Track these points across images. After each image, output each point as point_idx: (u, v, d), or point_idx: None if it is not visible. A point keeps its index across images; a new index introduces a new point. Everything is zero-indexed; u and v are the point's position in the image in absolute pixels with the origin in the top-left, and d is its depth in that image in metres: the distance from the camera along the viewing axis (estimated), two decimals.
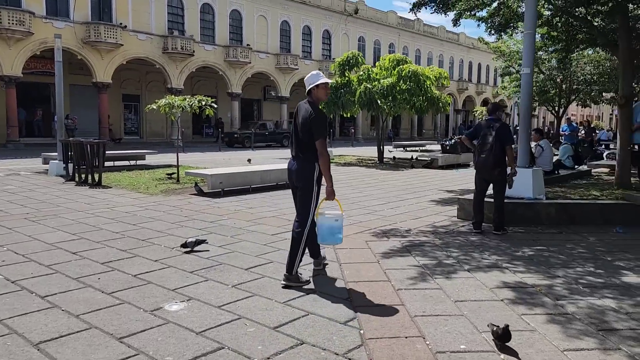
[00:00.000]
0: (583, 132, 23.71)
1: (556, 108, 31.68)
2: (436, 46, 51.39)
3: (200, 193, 9.62)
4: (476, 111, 28.58)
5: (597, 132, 31.97)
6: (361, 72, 17.22)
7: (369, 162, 18.61)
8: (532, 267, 4.96)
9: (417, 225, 6.99)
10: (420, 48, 49.27)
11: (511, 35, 11.14)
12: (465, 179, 13.12)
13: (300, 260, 4.35)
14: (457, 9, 9.42)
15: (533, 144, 9.71)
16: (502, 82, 37.93)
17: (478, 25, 12.84)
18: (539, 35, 13.43)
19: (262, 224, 6.94)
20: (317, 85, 4.25)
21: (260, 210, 8.07)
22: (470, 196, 7.46)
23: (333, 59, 37.79)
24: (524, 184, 7.04)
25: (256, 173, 10.43)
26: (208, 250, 5.46)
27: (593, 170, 12.05)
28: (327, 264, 4.90)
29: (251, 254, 5.35)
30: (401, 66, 16.82)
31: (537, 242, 6.06)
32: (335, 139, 43.04)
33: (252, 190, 10.19)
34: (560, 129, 17.77)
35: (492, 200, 6.55)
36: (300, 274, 4.42)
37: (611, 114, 66.90)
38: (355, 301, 4.00)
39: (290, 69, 36.49)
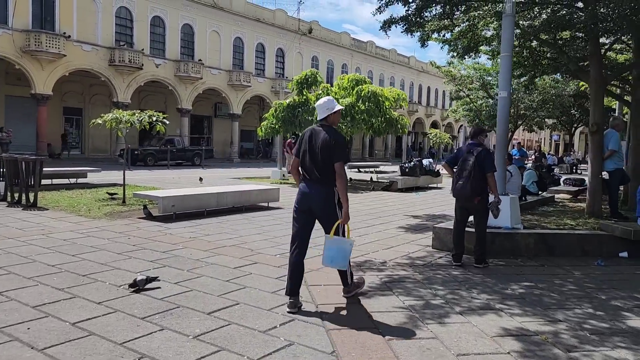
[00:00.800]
0: (533, 156, 24.27)
1: None
2: (388, 68, 52.15)
3: (150, 217, 8.76)
4: (430, 133, 28.77)
5: (546, 156, 33.09)
6: (319, 91, 16.81)
7: None
8: (528, 308, 4.52)
9: (391, 256, 6.47)
10: (372, 69, 49.80)
11: (471, 56, 10.95)
12: (427, 202, 12.85)
13: (352, 273, 4.65)
14: (427, 29, 9.14)
15: None
16: (452, 106, 38.79)
17: (441, 47, 12.69)
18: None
19: (222, 255, 6.23)
20: (334, 112, 4.40)
21: (218, 237, 7.33)
22: (447, 225, 7.04)
23: (286, 77, 37.48)
24: (502, 212, 6.67)
25: (212, 195, 9.67)
26: (160, 288, 4.72)
27: (556, 197, 12.02)
28: (301, 305, 4.34)
29: (213, 293, 4.65)
30: (360, 86, 16.55)
31: (522, 276, 5.68)
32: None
33: (207, 214, 9.41)
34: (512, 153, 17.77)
35: (472, 230, 6.14)
36: (356, 280, 4.72)
37: (551, 139, 69.90)
38: (343, 358, 3.39)
39: (242, 86, 35.80)
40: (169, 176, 18.88)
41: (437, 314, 4.27)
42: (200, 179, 15.49)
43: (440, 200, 13.54)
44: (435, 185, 17.37)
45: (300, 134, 5.26)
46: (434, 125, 57.37)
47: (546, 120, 35.04)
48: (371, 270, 5.71)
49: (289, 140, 18.94)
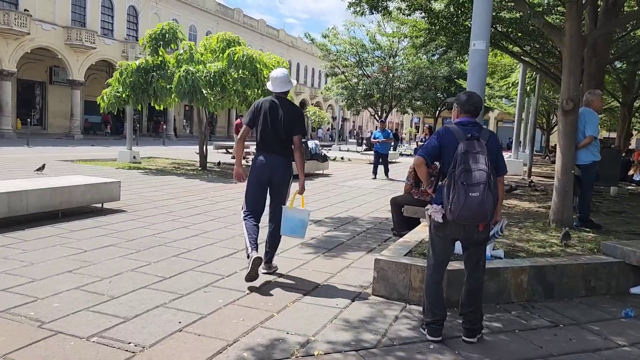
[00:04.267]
0: (422, 140, 22.62)
1: (379, 112, 31.34)
2: (256, 40, 48.70)
3: None
4: (309, 111, 26.31)
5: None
6: (180, 51, 13.14)
7: (189, 168, 14.62)
8: None
9: (308, 328, 3.60)
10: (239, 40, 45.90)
11: (380, 12, 8.51)
12: (319, 196, 10.14)
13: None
14: None
15: None
16: (327, 83, 36.84)
17: None
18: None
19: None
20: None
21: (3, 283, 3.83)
22: (393, 253, 4.34)
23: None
24: None
25: None
26: None
27: None
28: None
29: None
30: (233, 48, 13.25)
31: (539, 351, 3.20)
32: (142, 135, 37.42)
33: None
34: (372, 136, 15.81)
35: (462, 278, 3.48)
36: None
37: (411, 122, 72.18)
38: None
39: (85, 47, 29.96)
40: None
41: None
42: (41, 168, 10.95)
43: (334, 192, 10.96)
44: (321, 172, 14.83)
45: (254, 105, 4.51)
46: (303, 104, 55.38)
47: (415, 102, 34.68)
48: None
49: (238, 121, 15.47)
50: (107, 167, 13.32)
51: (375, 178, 14.12)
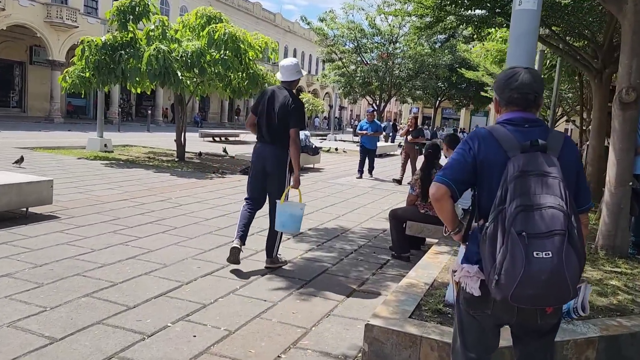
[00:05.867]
0: (429, 133, 20.62)
1: (377, 101, 29.82)
2: (251, 24, 46.75)
3: None
4: (302, 99, 24.84)
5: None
6: (152, 26, 11.54)
7: (165, 159, 13.12)
8: None
9: None
10: (233, 24, 44.10)
11: None
12: (306, 197, 8.62)
13: (280, 242, 4.55)
14: None
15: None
16: (324, 69, 35.19)
17: None
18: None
19: None
20: (299, 79, 4.52)
21: None
22: (388, 319, 2.87)
23: None
24: None
25: None
26: None
27: None
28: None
29: None
30: (214, 26, 11.69)
31: None
32: (127, 121, 35.86)
33: None
34: (358, 127, 13.48)
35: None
36: (280, 255, 4.62)
37: (410, 112, 70.32)
38: None
39: (66, 26, 28.16)
40: None
41: None
42: (18, 160, 9.48)
43: (323, 192, 9.48)
44: (312, 166, 13.33)
45: (261, 92, 4.60)
46: (297, 92, 53.70)
47: (416, 91, 33.13)
48: None
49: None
50: (68, 157, 11.80)
51: (360, 177, 12.04)
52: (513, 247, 1.64)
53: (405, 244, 5.17)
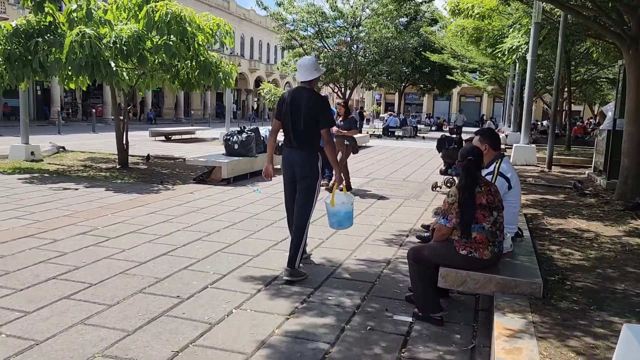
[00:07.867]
0: (398, 121, 19.24)
1: (342, 89, 28.13)
2: (203, 11, 44.26)
3: None
4: (263, 89, 22.73)
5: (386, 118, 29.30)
6: (73, 7, 9.35)
7: (104, 166, 11.05)
8: None
9: None
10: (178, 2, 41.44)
11: None
12: (279, 211, 6.75)
13: (304, 252, 4.37)
14: None
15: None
16: (284, 57, 33.15)
17: None
18: None
19: None
20: (319, 76, 4.35)
21: None
22: None
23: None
24: None
25: None
26: None
27: None
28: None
29: None
30: (153, 4, 9.64)
31: None
32: (73, 121, 33.07)
33: None
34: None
35: None
36: (301, 266, 4.35)
37: (372, 99, 69.07)
38: None
39: None
40: None
41: None
42: None
43: None
44: (279, 167, 11.50)
45: (281, 96, 4.33)
46: (258, 82, 51.42)
47: (381, 77, 31.63)
48: None
49: None
50: None
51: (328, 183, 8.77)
52: None
53: (436, 301, 3.46)
